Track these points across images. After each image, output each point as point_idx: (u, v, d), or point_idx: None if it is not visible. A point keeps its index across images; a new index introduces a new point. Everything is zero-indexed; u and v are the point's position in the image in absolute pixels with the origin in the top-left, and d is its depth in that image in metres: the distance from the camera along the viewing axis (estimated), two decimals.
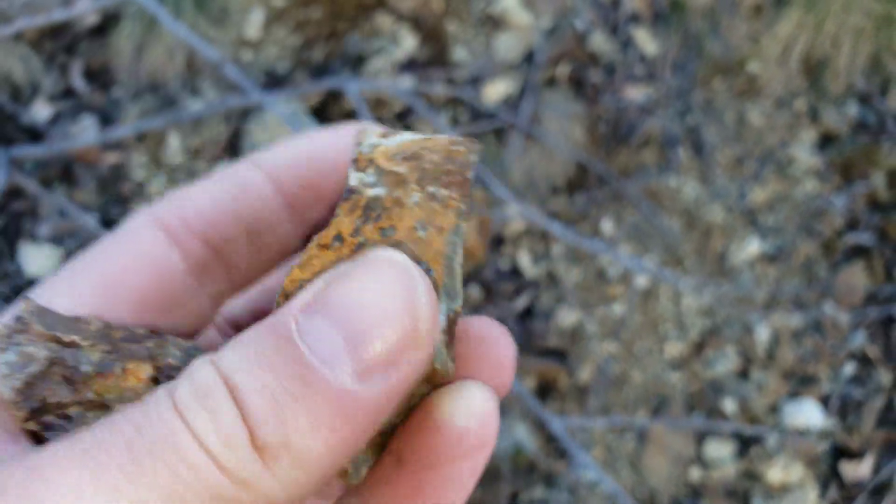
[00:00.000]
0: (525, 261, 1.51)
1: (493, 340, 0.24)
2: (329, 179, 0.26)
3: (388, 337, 0.18)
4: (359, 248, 0.22)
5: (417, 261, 0.22)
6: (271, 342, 0.18)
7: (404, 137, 0.23)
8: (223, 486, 0.17)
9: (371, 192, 0.22)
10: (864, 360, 1.55)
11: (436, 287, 0.22)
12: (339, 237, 0.22)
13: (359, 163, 0.23)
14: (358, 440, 0.18)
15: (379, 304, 0.18)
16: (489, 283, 1.48)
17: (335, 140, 0.26)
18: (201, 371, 0.18)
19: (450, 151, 0.23)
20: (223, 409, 0.17)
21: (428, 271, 0.22)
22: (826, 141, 1.58)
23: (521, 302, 1.49)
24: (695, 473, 1.51)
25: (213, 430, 0.17)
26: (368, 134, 0.23)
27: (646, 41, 1.54)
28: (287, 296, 0.21)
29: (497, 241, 1.50)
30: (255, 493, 0.17)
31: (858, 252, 1.56)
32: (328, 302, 0.18)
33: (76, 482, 0.16)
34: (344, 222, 0.22)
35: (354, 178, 0.23)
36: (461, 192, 0.23)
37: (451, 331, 0.22)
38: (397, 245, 0.22)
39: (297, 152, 0.26)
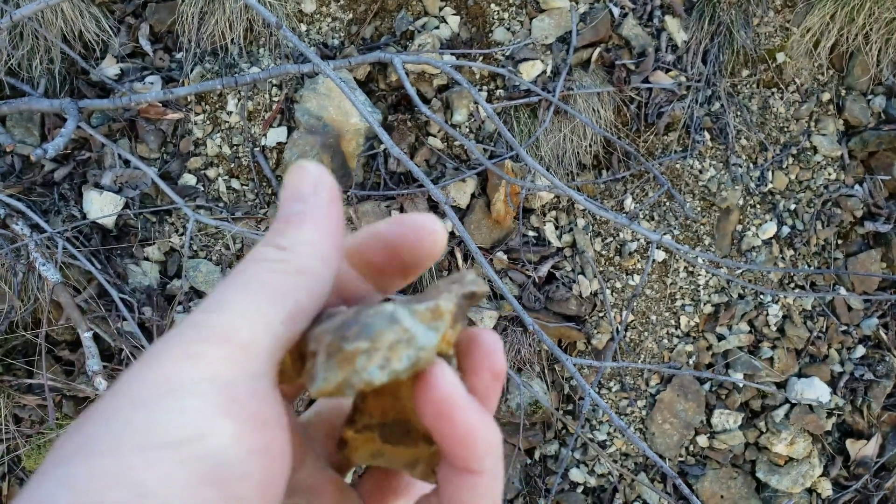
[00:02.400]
0: (550, 231, 1.56)
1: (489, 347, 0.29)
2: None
3: (304, 183, 0.30)
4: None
5: None
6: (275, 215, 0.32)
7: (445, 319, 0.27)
8: (285, 257, 0.28)
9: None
10: (876, 344, 1.56)
11: None
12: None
13: (444, 349, 0.27)
14: (328, 231, 0.29)
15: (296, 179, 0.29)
16: (515, 249, 1.53)
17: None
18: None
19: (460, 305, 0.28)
20: (273, 229, 0.29)
21: None
22: (850, 132, 1.59)
23: (545, 269, 1.53)
24: (702, 441, 1.54)
25: (272, 234, 0.29)
26: (444, 309, 0.27)
27: (677, 29, 1.57)
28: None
29: (525, 211, 1.54)
30: (297, 261, 0.28)
31: (876, 240, 1.57)
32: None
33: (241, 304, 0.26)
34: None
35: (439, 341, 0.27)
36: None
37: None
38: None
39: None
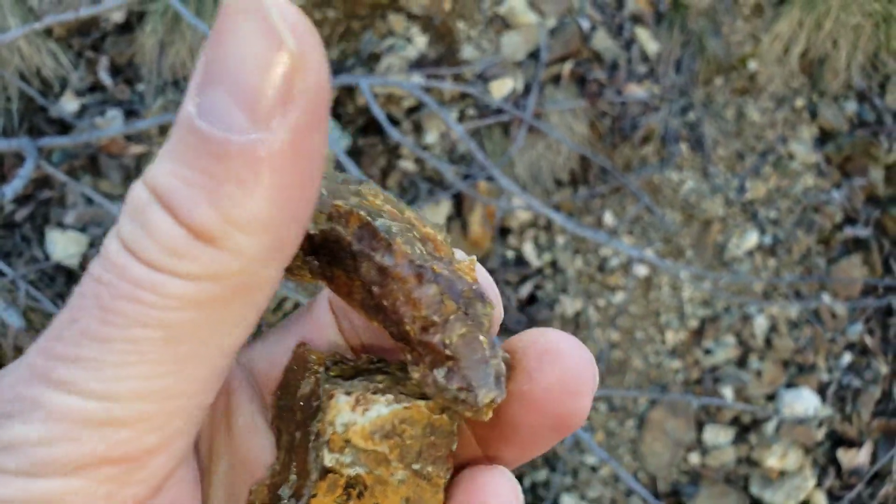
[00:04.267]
0: (529, 250, 1.51)
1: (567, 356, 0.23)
2: None
3: (268, 77, 0.16)
4: None
5: None
6: (179, 137, 0.17)
7: (380, 411, 0.21)
8: (197, 291, 0.16)
9: (350, 471, 0.21)
10: (861, 350, 1.53)
11: None
12: None
13: (332, 444, 0.21)
14: (299, 186, 0.17)
15: (244, 52, 0.17)
16: (494, 271, 1.48)
17: None
18: (133, 190, 0.18)
19: (431, 422, 0.21)
20: (157, 219, 0.17)
21: None
22: (825, 137, 1.56)
23: (525, 290, 1.48)
24: (694, 459, 1.49)
25: (155, 246, 0.16)
26: (340, 410, 0.21)
27: (648, 40, 1.54)
28: None
29: (503, 231, 1.49)
30: (233, 280, 0.17)
31: (857, 245, 1.53)
32: (211, 73, 0.17)
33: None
34: (323, 503, 0.21)
35: (330, 459, 0.21)
36: (446, 465, 0.21)
37: None
38: None
39: None
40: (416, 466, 0.21)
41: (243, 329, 0.18)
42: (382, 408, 0.20)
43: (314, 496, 0.21)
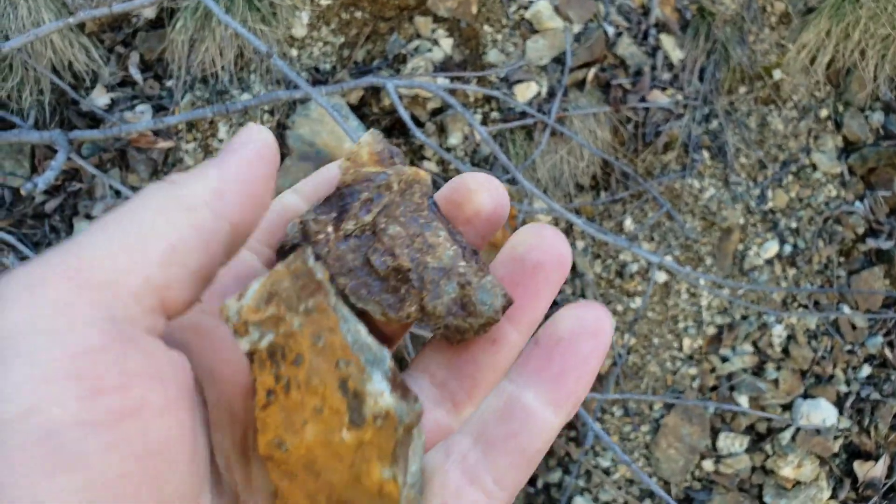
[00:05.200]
0: None
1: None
2: None
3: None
4: (287, 387, 0.24)
5: (337, 363, 0.24)
6: None
7: (253, 287, 0.24)
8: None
9: (263, 343, 0.24)
10: (881, 363, 1.51)
11: (363, 369, 0.24)
12: (270, 392, 0.24)
13: (238, 331, 0.24)
14: None
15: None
16: None
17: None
18: None
19: (292, 272, 0.25)
20: None
21: (348, 364, 0.24)
22: (849, 148, 1.54)
23: None
24: (708, 466, 1.48)
25: None
26: (228, 307, 0.24)
27: (672, 48, 1.53)
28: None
29: None
30: None
31: (878, 257, 1.52)
32: None
33: None
34: (265, 380, 0.24)
35: (245, 343, 0.24)
36: (321, 292, 0.24)
37: (395, 379, 0.24)
38: (312, 366, 0.24)
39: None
40: (300, 308, 0.24)
41: None
42: (255, 284, 0.24)
43: (255, 380, 0.24)
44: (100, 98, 1.46)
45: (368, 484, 0.24)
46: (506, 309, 0.28)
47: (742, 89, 1.54)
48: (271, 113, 1.47)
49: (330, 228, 0.28)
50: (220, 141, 1.46)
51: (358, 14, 1.52)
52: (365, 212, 0.28)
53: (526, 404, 0.26)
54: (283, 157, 1.49)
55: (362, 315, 0.28)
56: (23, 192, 1.27)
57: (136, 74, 1.47)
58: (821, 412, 1.45)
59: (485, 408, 0.26)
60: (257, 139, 0.25)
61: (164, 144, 1.46)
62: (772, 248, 1.50)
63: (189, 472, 0.21)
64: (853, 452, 1.50)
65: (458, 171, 1.48)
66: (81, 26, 1.47)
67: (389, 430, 0.23)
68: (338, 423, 0.24)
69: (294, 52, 1.51)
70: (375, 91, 1.49)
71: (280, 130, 1.48)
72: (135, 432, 0.19)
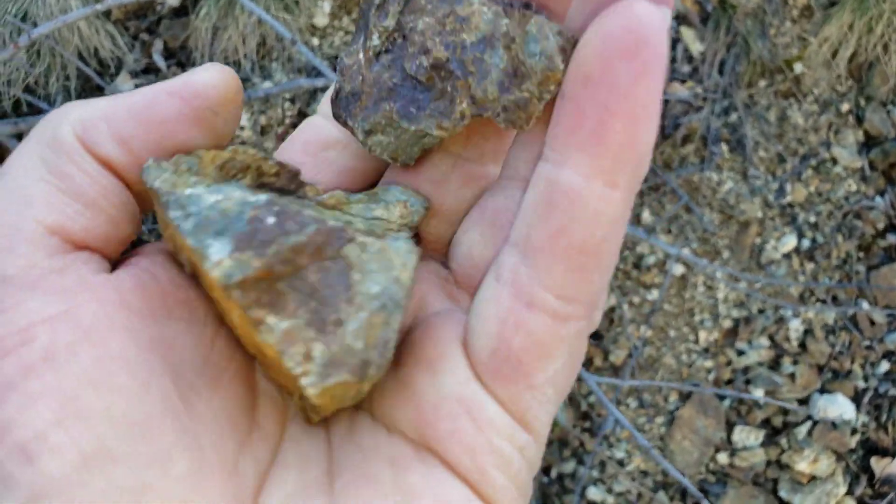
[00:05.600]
0: None
1: None
2: None
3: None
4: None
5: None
6: None
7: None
8: None
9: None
10: None
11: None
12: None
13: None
14: None
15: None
16: None
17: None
18: None
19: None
20: None
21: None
22: (870, 142, 1.53)
23: None
24: (723, 459, 1.47)
25: None
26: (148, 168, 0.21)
27: (693, 40, 1.52)
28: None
29: None
30: None
31: None
32: None
33: None
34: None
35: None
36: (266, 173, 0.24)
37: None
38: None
39: None
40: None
41: None
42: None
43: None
44: (124, 84, 1.48)
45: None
46: (568, 51, 0.20)
47: (762, 82, 1.53)
48: (292, 101, 1.48)
49: (360, 56, 0.24)
50: (242, 128, 1.47)
51: None
52: (384, 16, 0.23)
53: (567, 185, 0.19)
54: None
55: (423, 138, 0.23)
56: None
57: (160, 62, 1.49)
58: (838, 407, 1.44)
59: (525, 205, 0.20)
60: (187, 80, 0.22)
61: None
62: (790, 242, 1.49)
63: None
64: (870, 448, 1.48)
65: None
66: (108, 13, 1.49)
67: None
68: None
69: (315, 41, 1.52)
70: None
71: (301, 119, 1.49)
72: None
